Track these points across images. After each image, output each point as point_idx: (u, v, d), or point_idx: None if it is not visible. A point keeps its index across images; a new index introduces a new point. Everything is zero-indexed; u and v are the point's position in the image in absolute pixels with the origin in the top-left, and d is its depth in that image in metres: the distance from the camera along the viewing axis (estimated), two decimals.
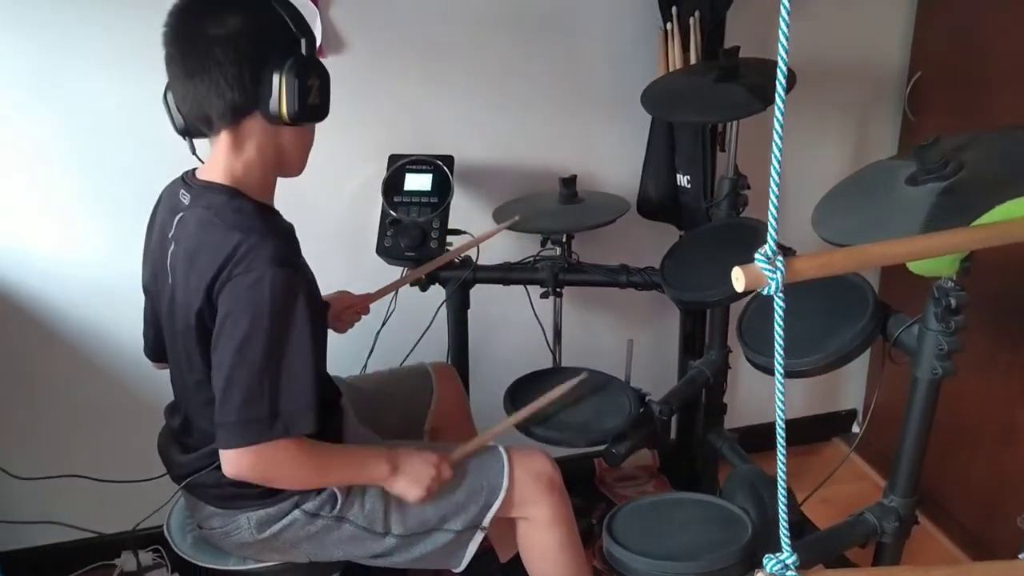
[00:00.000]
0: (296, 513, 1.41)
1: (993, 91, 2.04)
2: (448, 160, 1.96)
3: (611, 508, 2.32)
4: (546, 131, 2.16)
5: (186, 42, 1.24)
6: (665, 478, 2.49)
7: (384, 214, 1.93)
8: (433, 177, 1.95)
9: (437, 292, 1.97)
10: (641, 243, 2.25)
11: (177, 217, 1.33)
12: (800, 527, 1.85)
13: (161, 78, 1.31)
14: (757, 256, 0.91)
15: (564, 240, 1.98)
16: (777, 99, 0.87)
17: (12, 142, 1.84)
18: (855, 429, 2.79)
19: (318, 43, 1.41)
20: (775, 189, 0.90)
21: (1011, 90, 1.98)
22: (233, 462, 1.26)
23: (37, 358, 2.02)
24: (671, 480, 2.48)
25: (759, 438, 2.49)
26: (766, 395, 2.73)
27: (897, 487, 1.53)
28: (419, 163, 1.97)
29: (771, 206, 0.91)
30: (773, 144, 0.88)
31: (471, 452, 1.55)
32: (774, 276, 0.91)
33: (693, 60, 2.01)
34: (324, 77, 1.29)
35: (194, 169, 1.38)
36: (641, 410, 1.80)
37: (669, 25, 2.01)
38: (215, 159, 1.32)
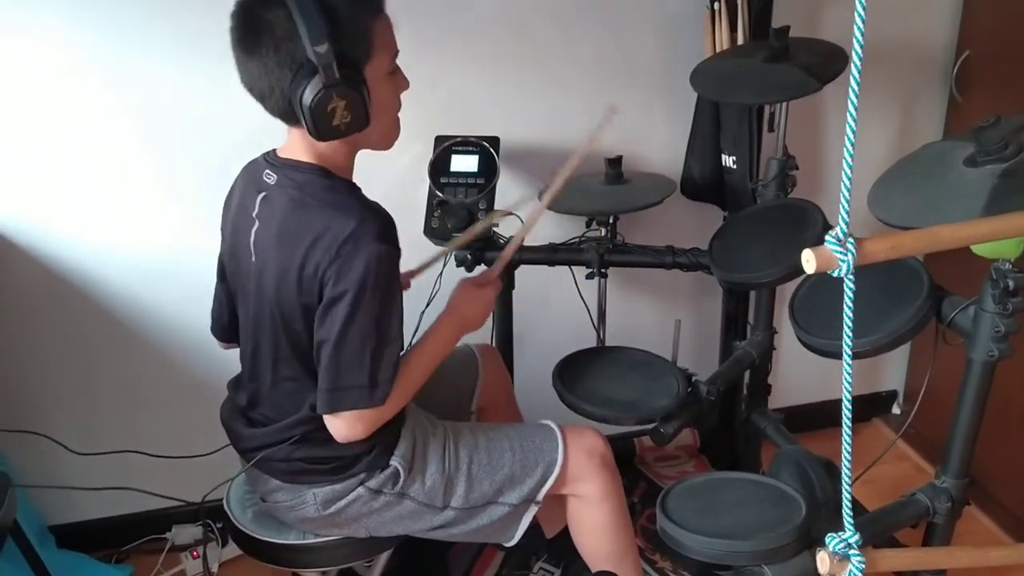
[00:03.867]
0: (360, 490, 1.43)
1: None
2: (494, 141, 1.97)
3: (651, 488, 2.35)
4: (592, 111, 2.15)
5: (240, 58, 1.26)
6: (705, 458, 2.50)
7: (431, 195, 1.94)
8: (479, 158, 1.95)
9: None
10: (684, 224, 2.25)
11: (260, 196, 1.34)
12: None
13: (223, 63, 1.30)
14: (828, 238, 0.92)
15: (610, 221, 1.99)
16: (851, 80, 0.87)
17: (75, 127, 1.87)
18: (895, 410, 2.78)
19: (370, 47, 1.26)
20: (848, 171, 0.91)
21: None
22: (343, 426, 1.33)
23: (94, 337, 2.05)
24: (711, 460, 2.48)
25: (801, 419, 2.49)
26: (808, 376, 2.72)
27: (949, 468, 1.54)
28: (465, 144, 1.97)
29: (843, 187, 0.92)
30: (847, 125, 0.88)
31: (516, 246, 1.64)
32: (845, 258, 0.92)
33: (740, 40, 2.00)
34: (351, 96, 1.21)
35: (275, 148, 1.39)
36: (688, 390, 1.81)
37: (716, 4, 1.99)
38: (295, 139, 1.33)
